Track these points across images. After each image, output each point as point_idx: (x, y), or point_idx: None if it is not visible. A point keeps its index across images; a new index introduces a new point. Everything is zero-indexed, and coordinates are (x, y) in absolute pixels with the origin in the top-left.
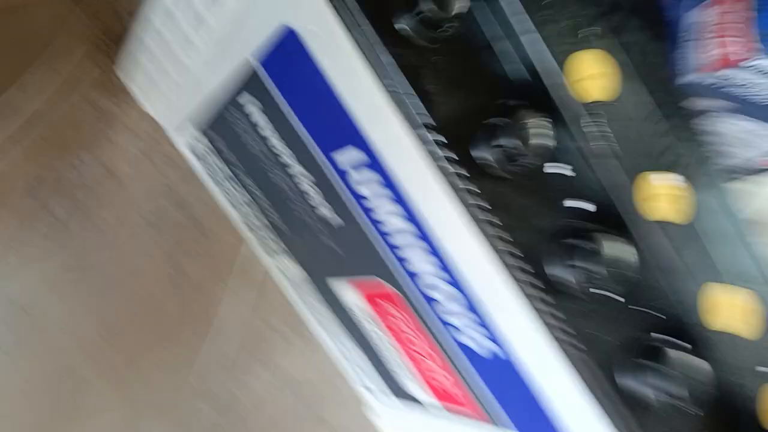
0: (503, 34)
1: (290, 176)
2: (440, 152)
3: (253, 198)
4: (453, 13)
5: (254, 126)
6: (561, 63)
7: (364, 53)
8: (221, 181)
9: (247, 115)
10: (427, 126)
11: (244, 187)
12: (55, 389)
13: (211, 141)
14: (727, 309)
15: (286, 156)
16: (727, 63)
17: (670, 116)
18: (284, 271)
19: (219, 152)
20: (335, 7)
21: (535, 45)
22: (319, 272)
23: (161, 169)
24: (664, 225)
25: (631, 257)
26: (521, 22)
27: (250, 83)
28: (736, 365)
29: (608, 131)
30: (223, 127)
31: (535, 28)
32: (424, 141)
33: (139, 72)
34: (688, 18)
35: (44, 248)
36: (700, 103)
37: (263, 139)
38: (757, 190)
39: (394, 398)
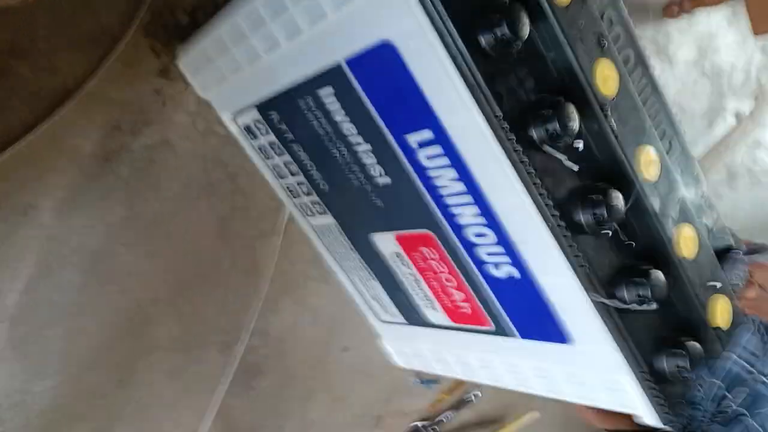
0: (554, 50)
1: (354, 153)
2: (504, 134)
3: (304, 169)
4: (521, 36)
5: (327, 112)
6: (591, 68)
7: (455, 61)
8: (271, 155)
9: (322, 103)
10: (497, 116)
11: (297, 160)
12: (125, 322)
13: (271, 122)
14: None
15: (355, 137)
16: None
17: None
18: (319, 227)
19: (278, 131)
20: (435, 27)
21: (573, 56)
22: (362, 228)
23: (213, 145)
24: (651, 185)
25: (622, 205)
26: (568, 39)
27: (335, 80)
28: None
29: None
30: (291, 110)
31: (568, 46)
32: (493, 126)
33: (204, 63)
34: None
35: (108, 202)
36: None
37: (334, 123)
38: None
39: (406, 324)
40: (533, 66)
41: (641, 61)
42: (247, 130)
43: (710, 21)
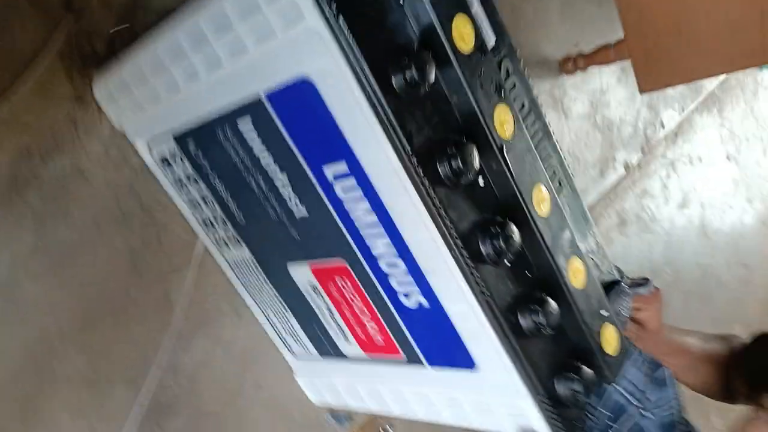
0: (457, 94)
1: (272, 184)
2: (413, 169)
3: (220, 201)
4: (428, 80)
5: (245, 144)
6: (490, 112)
7: (369, 100)
8: (187, 186)
9: (241, 135)
10: (407, 152)
11: (214, 192)
12: (29, 354)
13: (188, 153)
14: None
15: (273, 168)
16: None
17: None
18: (234, 260)
19: (195, 162)
20: (350, 66)
21: (474, 100)
22: (278, 260)
23: (127, 175)
24: (544, 220)
25: (518, 238)
26: (470, 85)
27: (255, 112)
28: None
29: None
30: (209, 141)
31: (470, 90)
32: (403, 162)
33: (121, 92)
34: None
35: (16, 230)
36: None
37: (252, 154)
38: None
39: (319, 358)
40: (439, 107)
41: (535, 109)
42: (163, 160)
43: (602, 78)
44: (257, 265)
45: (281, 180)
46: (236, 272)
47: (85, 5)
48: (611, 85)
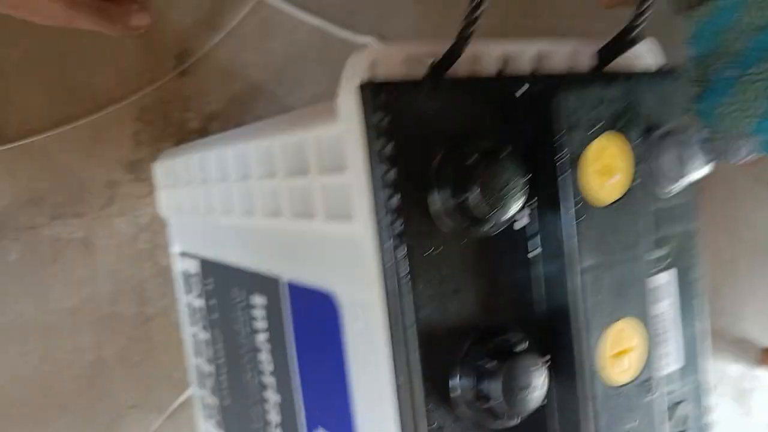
0: None
1: (262, 386)
2: None
3: (216, 365)
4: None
5: (251, 318)
6: None
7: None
8: (196, 322)
9: (252, 306)
10: None
11: (214, 349)
12: None
13: (207, 288)
14: None
15: (268, 373)
16: None
17: None
18: None
19: (208, 302)
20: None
21: None
22: None
23: (144, 272)
24: None
25: None
26: None
27: (269, 293)
28: None
29: None
30: (224, 290)
31: None
32: None
33: (173, 180)
34: None
35: None
36: None
37: (254, 334)
38: None
39: None
40: None
41: None
42: (186, 276)
43: None
44: None
45: (272, 390)
46: None
47: (200, 71)
48: None
